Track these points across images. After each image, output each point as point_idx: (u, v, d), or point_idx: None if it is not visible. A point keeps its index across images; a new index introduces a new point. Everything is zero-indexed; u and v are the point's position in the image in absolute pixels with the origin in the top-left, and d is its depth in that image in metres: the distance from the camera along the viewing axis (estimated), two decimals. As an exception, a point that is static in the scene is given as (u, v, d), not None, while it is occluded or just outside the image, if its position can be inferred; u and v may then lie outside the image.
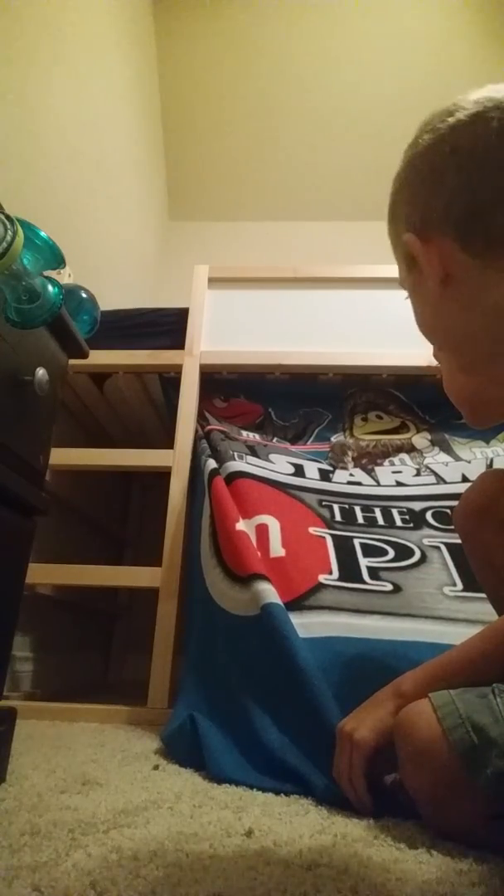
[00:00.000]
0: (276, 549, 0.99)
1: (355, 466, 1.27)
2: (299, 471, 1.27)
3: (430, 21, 2.35)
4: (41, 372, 0.69)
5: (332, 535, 1.06)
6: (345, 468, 1.26)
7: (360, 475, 1.29)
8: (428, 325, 0.49)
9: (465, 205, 0.40)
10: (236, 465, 1.18)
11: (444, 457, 1.31)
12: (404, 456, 1.33)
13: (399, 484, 1.24)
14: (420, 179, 0.43)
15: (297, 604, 0.88)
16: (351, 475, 1.28)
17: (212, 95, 2.60)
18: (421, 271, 0.44)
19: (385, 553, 1.02)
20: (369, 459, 1.33)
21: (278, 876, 0.39)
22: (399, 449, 1.36)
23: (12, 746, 0.65)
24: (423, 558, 1.01)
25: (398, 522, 1.12)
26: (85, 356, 0.86)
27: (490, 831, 0.45)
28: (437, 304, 0.45)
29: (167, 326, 1.51)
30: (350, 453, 1.28)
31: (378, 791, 0.55)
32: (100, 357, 1.39)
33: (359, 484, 1.26)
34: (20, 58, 1.33)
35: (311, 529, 1.07)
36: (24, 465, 0.70)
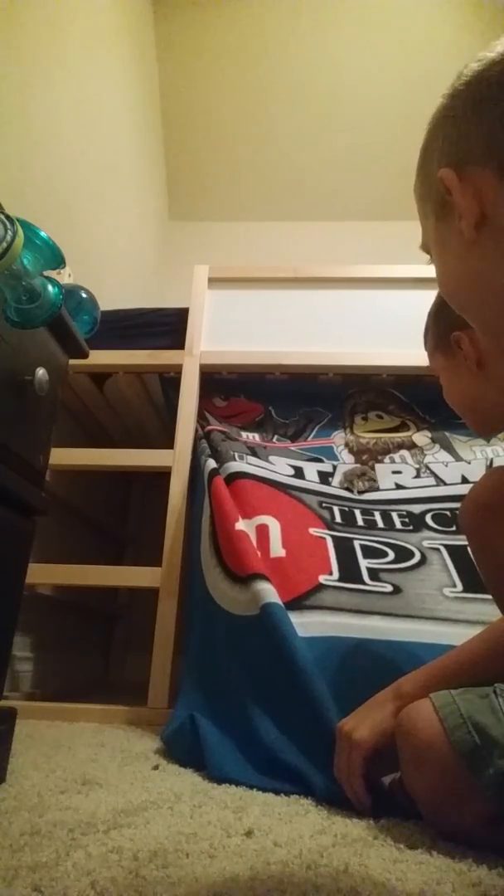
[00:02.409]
0: (277, 549, 0.99)
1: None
2: (299, 473, 1.27)
3: (431, 23, 2.35)
4: (41, 372, 0.69)
5: (333, 536, 1.06)
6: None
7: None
8: (453, 279, 0.45)
9: None
10: (236, 465, 1.18)
11: (444, 455, 1.31)
12: (405, 453, 1.33)
13: (399, 486, 1.24)
14: (462, 109, 0.40)
15: (297, 604, 0.88)
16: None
17: (212, 95, 2.60)
18: (452, 217, 0.41)
19: (385, 555, 1.02)
20: (370, 456, 1.33)
21: (278, 876, 0.39)
22: (400, 446, 1.36)
23: (12, 746, 0.65)
24: (423, 560, 1.01)
25: (398, 525, 1.12)
26: (85, 356, 0.86)
27: (491, 832, 0.45)
28: (466, 253, 0.42)
29: (167, 326, 1.51)
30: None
31: (378, 791, 0.55)
32: (100, 357, 1.39)
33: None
34: (20, 58, 1.33)
35: (312, 530, 1.07)
36: (24, 465, 0.70)
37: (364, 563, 0.99)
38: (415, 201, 0.48)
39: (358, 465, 1.31)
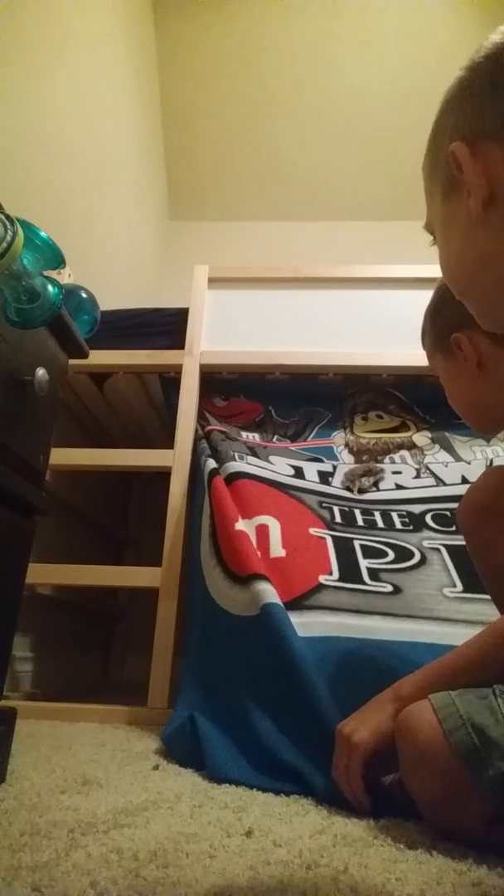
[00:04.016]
0: (277, 549, 0.99)
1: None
2: (299, 473, 1.27)
3: (431, 21, 2.35)
4: (41, 372, 0.69)
5: (333, 536, 1.06)
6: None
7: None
8: (457, 261, 0.44)
9: None
10: (236, 465, 1.18)
11: (444, 455, 1.31)
12: (405, 453, 1.33)
13: (399, 487, 1.24)
14: (479, 83, 0.39)
15: (297, 603, 0.88)
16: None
17: (212, 95, 2.60)
18: (460, 195, 0.40)
19: (385, 555, 1.02)
20: (370, 456, 1.33)
21: (278, 876, 0.39)
22: (400, 446, 1.36)
23: (12, 746, 0.65)
24: (423, 560, 1.01)
25: (398, 525, 1.12)
26: (85, 356, 0.86)
27: (491, 833, 0.45)
28: (473, 233, 0.40)
29: (167, 326, 1.51)
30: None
31: (377, 792, 0.55)
32: (100, 357, 1.39)
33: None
34: (20, 58, 1.33)
35: (312, 530, 1.07)
36: (24, 465, 0.70)
37: (364, 563, 1.00)
38: (422, 178, 0.47)
39: (359, 465, 1.31)
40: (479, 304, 0.45)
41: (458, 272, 0.45)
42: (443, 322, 0.68)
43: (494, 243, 0.39)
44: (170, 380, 1.48)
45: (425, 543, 1.05)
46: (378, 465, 1.30)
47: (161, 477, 1.33)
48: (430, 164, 0.45)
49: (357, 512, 1.16)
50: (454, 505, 0.71)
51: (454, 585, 0.94)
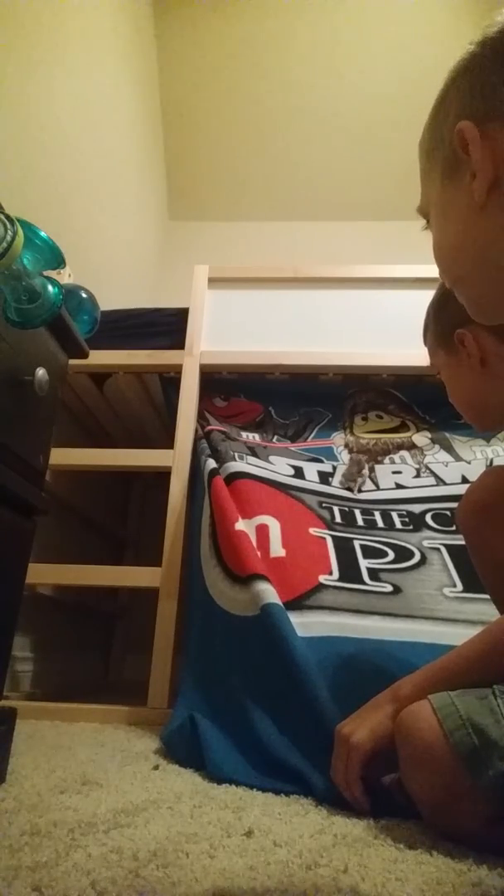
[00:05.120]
0: (277, 549, 0.99)
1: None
2: (299, 473, 1.27)
3: (431, 21, 2.35)
4: (41, 372, 0.69)
5: (333, 536, 1.06)
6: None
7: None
8: (453, 246, 0.42)
9: None
10: (236, 465, 1.18)
11: (444, 455, 1.31)
12: (405, 453, 1.33)
13: (399, 486, 1.24)
14: (490, 60, 0.37)
15: (297, 604, 0.88)
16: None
17: (212, 95, 2.60)
18: (462, 177, 0.38)
19: (385, 555, 1.02)
20: (370, 456, 1.33)
21: (278, 876, 0.39)
22: (400, 447, 1.36)
23: (12, 746, 0.65)
24: (423, 560, 1.01)
25: (398, 525, 1.12)
26: (85, 356, 0.86)
27: (491, 833, 0.45)
28: (472, 217, 0.38)
29: (167, 326, 1.51)
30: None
31: (377, 793, 0.55)
32: (100, 357, 1.39)
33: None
34: (20, 58, 1.33)
35: (312, 530, 1.07)
36: (24, 465, 0.70)
37: (364, 563, 1.00)
38: (418, 159, 0.44)
39: (353, 465, 1.31)
40: (473, 293, 0.43)
41: (451, 258, 0.43)
42: (446, 318, 0.68)
43: (494, 230, 0.37)
44: (170, 380, 1.48)
45: (425, 543, 1.05)
46: (370, 465, 1.30)
47: (161, 477, 1.33)
48: (431, 141, 0.42)
49: (357, 512, 1.16)
50: (454, 504, 0.71)
51: (454, 585, 0.94)
